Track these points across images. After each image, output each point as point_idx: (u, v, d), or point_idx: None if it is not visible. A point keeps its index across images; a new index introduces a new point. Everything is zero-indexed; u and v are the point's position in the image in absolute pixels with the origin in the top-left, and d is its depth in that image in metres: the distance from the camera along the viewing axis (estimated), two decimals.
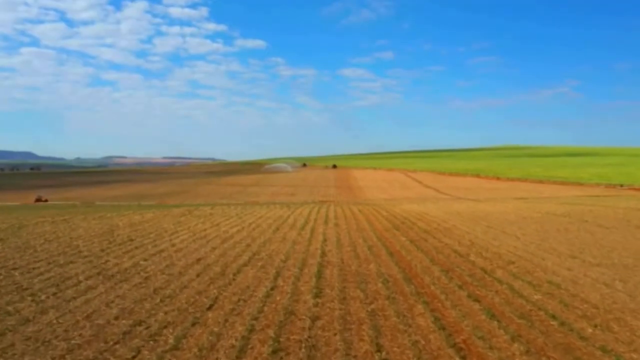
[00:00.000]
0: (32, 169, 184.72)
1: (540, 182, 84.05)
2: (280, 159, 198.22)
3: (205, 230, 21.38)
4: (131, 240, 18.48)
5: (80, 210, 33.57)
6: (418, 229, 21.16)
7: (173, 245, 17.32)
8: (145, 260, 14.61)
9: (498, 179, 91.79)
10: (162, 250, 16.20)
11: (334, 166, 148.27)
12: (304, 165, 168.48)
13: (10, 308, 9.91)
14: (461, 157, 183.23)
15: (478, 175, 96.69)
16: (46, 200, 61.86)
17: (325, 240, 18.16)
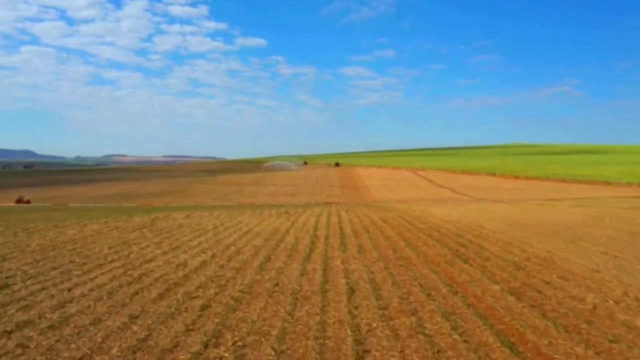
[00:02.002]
0: (25, 167, 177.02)
1: (564, 181, 75.59)
2: (280, 157, 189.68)
3: (151, 261, 12.85)
4: None
5: (26, 218, 25.24)
6: (500, 261, 12.59)
7: (62, 305, 8.78)
8: None
9: (516, 177, 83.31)
10: (25, 323, 7.70)
11: (337, 164, 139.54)
12: (305, 163, 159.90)
13: None
14: (469, 155, 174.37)
15: (493, 174, 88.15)
16: (28, 202, 53.69)
17: (352, 290, 9.61)
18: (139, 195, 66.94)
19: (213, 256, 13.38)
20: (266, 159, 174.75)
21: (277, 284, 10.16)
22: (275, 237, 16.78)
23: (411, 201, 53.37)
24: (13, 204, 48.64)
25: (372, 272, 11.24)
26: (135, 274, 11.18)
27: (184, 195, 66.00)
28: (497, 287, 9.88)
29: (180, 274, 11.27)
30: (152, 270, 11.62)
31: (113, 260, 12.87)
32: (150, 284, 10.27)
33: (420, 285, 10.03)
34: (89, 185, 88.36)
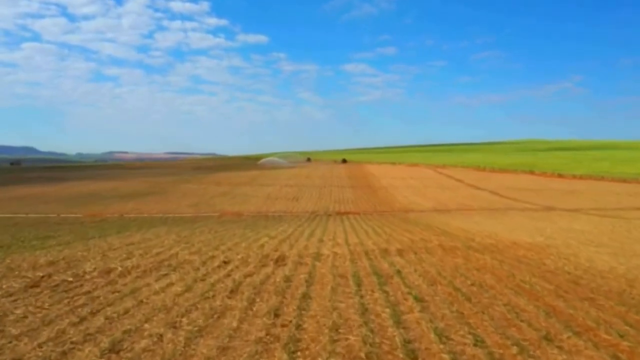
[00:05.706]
0: (12, 164, 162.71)
1: (625, 181, 60.48)
2: (282, 153, 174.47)
3: None
4: None
5: None
6: None
7: None
8: None
9: (560, 176, 68.28)
10: None
11: (344, 160, 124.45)
12: (308, 159, 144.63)
13: None
14: (482, 151, 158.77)
15: (532, 172, 73.06)
16: None
17: None
18: (106, 197, 52.03)
19: None
20: (267, 156, 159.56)
21: None
22: None
23: (454, 210, 38.32)
24: None
25: None
26: None
27: (158, 200, 51.02)
28: None
29: None
30: None
31: None
32: None
33: None
34: (59, 185, 73.34)
